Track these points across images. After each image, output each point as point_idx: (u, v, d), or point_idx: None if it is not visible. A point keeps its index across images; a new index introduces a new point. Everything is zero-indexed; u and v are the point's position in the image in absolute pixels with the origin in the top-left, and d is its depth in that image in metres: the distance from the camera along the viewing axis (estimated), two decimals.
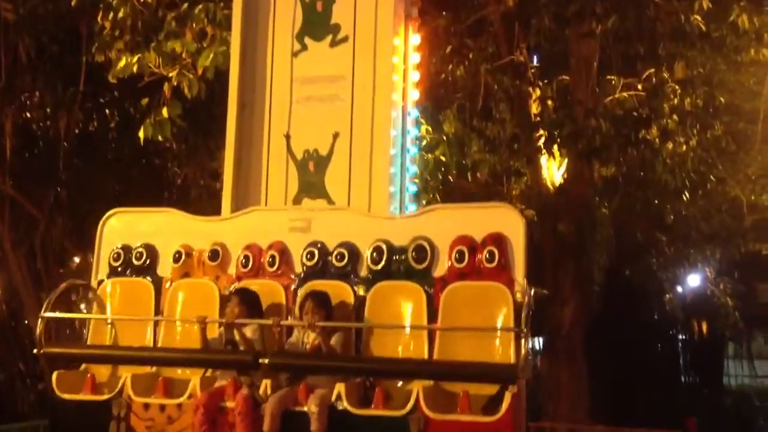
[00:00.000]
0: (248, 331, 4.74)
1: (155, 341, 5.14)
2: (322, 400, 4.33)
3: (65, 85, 11.18)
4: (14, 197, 11.22)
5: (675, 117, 9.83)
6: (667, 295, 16.39)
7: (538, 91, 10.08)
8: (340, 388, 4.36)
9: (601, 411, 10.34)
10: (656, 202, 11.46)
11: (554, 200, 10.94)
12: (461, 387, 4.27)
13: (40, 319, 4.87)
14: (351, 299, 4.82)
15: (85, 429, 4.83)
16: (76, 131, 11.62)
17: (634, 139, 9.57)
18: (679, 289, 16.74)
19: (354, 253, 4.89)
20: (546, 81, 10.33)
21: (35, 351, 4.94)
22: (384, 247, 4.80)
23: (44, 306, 4.97)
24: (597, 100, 10.11)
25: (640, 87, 10.01)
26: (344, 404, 4.32)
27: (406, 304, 4.68)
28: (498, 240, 4.61)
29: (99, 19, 7.93)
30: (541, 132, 9.33)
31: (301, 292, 4.85)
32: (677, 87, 9.50)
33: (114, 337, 5.19)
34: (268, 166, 5.46)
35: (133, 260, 5.26)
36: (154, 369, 4.96)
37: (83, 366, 5.11)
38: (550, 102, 9.81)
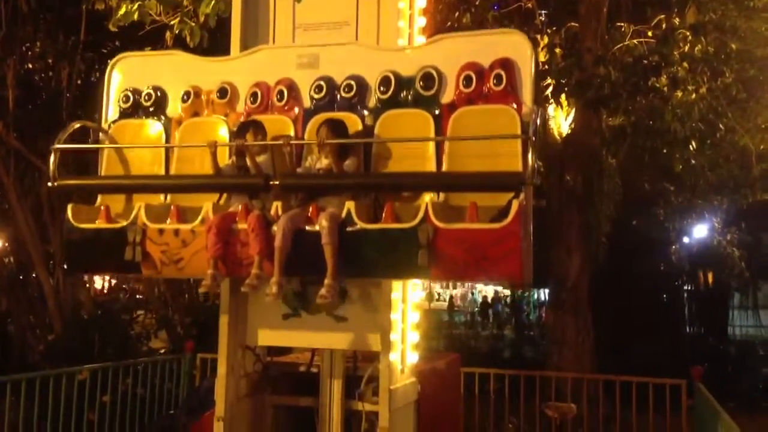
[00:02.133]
0: (260, 159, 4.76)
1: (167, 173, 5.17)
2: (332, 215, 4.36)
3: (66, 35, 11.05)
4: (18, 149, 11.18)
5: (685, 64, 9.67)
6: (674, 246, 16.40)
7: (546, 39, 9.91)
8: (350, 205, 4.39)
9: (607, 361, 10.41)
10: (665, 151, 11.34)
11: (561, 150, 10.87)
12: (469, 199, 4.28)
13: (52, 152, 4.86)
14: (359, 129, 4.82)
15: (100, 257, 4.91)
16: (78, 82, 11.52)
17: (643, 88, 9.44)
18: (686, 239, 16.73)
19: (362, 84, 4.88)
20: (554, 28, 10.15)
21: (49, 184, 4.94)
22: (392, 76, 4.79)
23: (56, 140, 4.95)
24: (606, 47, 9.95)
25: (650, 34, 9.83)
26: (354, 220, 4.36)
27: (414, 131, 4.68)
28: (506, 64, 4.57)
29: None
30: (549, 80, 9.19)
31: (311, 123, 4.86)
32: (688, 33, 9.32)
33: (127, 173, 5.23)
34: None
35: (142, 102, 5.27)
36: (167, 199, 5.01)
37: (98, 201, 5.14)
38: (558, 50, 9.64)
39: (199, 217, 4.66)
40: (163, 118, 5.26)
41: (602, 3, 10.07)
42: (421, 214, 4.25)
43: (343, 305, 4.94)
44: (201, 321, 12.71)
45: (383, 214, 4.41)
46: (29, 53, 11.53)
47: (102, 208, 4.93)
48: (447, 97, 4.71)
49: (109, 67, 5.48)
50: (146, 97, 5.26)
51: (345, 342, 4.95)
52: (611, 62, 9.28)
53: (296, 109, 5.00)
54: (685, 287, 17.59)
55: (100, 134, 5.31)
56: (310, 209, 4.48)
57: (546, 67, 9.53)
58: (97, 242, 4.84)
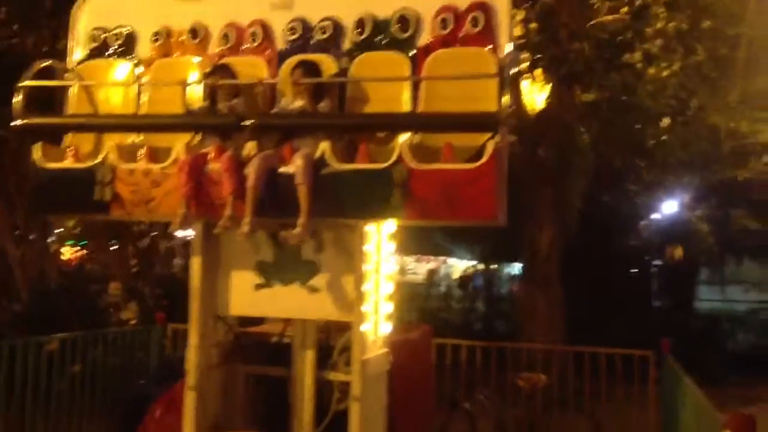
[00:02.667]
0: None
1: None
2: (307, 155, 4.36)
3: (32, 2, 10.77)
4: None
5: (659, 41, 9.71)
6: (644, 221, 16.58)
7: (522, 13, 9.88)
8: (324, 146, 4.40)
9: (577, 334, 10.53)
10: (637, 127, 11.42)
11: (534, 125, 10.88)
12: (444, 139, 4.30)
13: (16, 91, 4.78)
14: (334, 71, 4.79)
15: (68, 198, 4.85)
16: (44, 49, 11.26)
17: (617, 63, 9.47)
18: (656, 215, 16.92)
19: (337, 26, 4.85)
20: (530, 3, 10.12)
21: (12, 124, 4.81)
22: (367, 18, 4.77)
23: (21, 78, 4.85)
24: (581, 23, 9.95)
25: (624, 10, 9.84)
26: (329, 161, 4.36)
27: (389, 73, 4.66)
28: (483, 6, 4.58)
29: None
30: (525, 54, 9.18)
31: (285, 65, 4.82)
32: (662, 9, 9.34)
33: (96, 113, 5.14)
34: None
35: (111, 42, 5.19)
36: (138, 139, 4.91)
37: (66, 142, 5.03)
38: (533, 24, 9.62)
39: (171, 157, 4.61)
40: (133, 58, 5.16)
41: None
42: (395, 155, 4.27)
43: (316, 276, 4.91)
44: (171, 294, 12.62)
45: (357, 156, 4.40)
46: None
47: (70, 148, 4.84)
48: (423, 39, 4.69)
49: (76, 6, 5.33)
50: (115, 37, 5.16)
51: (317, 312, 4.93)
52: (586, 38, 9.28)
53: (270, 51, 4.94)
54: (654, 262, 17.81)
55: (67, 75, 5.17)
56: (284, 150, 4.46)
57: (522, 41, 9.51)
58: (64, 183, 4.77)
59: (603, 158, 12.68)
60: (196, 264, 5.00)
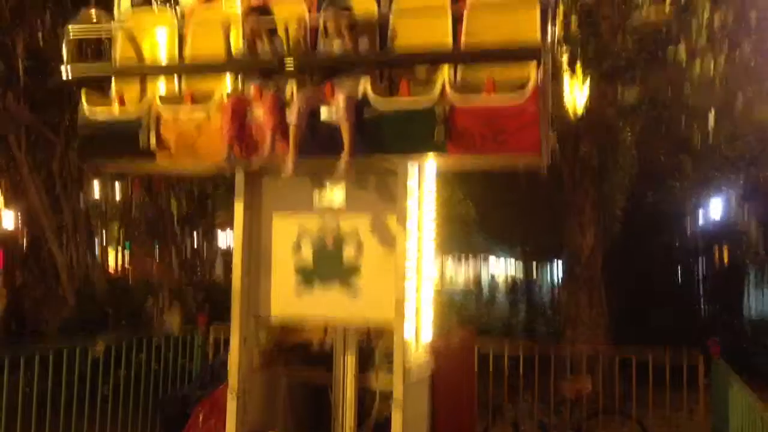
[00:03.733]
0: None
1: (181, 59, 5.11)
2: (348, 92, 4.36)
3: (76, 5, 10.92)
4: (30, 121, 11.13)
5: (703, 35, 9.46)
6: (689, 221, 16.23)
7: (562, 8, 9.72)
8: (365, 83, 4.38)
9: (621, 336, 10.33)
10: (681, 123, 11.15)
11: (576, 122, 10.70)
12: (487, 73, 4.23)
13: (65, 37, 4.89)
14: (374, 9, 4.72)
15: (115, 145, 4.89)
16: (88, 51, 11.42)
17: (660, 58, 9.26)
18: (702, 214, 16.54)
19: None
20: None
21: (63, 71, 4.85)
22: None
23: (68, 28, 4.96)
24: (623, 16, 9.75)
25: (668, 2, 9.62)
26: (370, 98, 4.34)
27: (431, 12, 4.57)
28: None
29: None
30: (565, 49, 9.03)
31: (325, 5, 4.74)
32: (706, 2, 9.10)
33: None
34: None
35: None
36: (181, 87, 4.97)
37: (113, 92, 5.09)
38: (574, 18, 9.45)
39: (213, 101, 4.61)
40: (176, 6, 5.22)
41: None
42: (437, 91, 4.22)
43: (357, 279, 4.86)
44: (213, 298, 12.71)
45: (399, 93, 4.35)
46: (39, 24, 11.42)
47: (116, 95, 4.90)
48: None
49: None
50: None
51: (358, 316, 4.88)
52: (628, 32, 9.09)
53: None
54: (701, 263, 17.41)
55: (113, 25, 5.21)
56: (325, 89, 4.43)
57: (562, 36, 9.35)
58: (111, 130, 4.82)
59: (647, 156, 12.44)
60: (238, 211, 4.98)
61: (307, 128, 4.39)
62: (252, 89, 4.63)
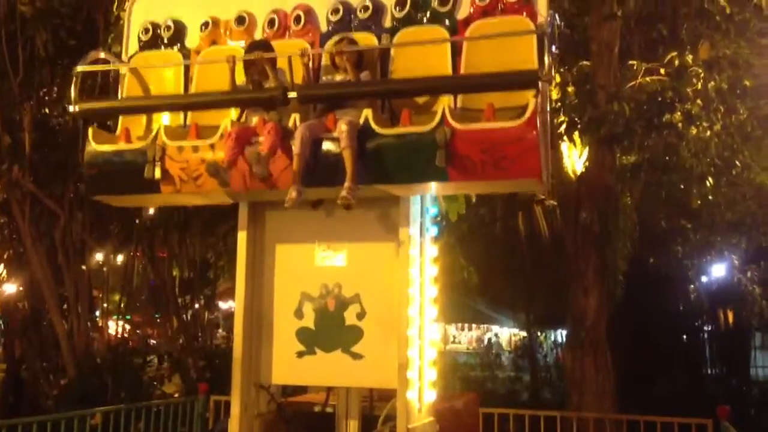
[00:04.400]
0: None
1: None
2: (351, 122, 4.41)
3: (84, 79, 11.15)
4: (34, 193, 11.23)
5: (699, 101, 9.62)
6: (692, 284, 16.17)
7: (558, 77, 9.92)
8: (367, 113, 4.45)
9: (626, 402, 10.19)
10: (681, 187, 11.24)
11: (575, 188, 10.79)
12: (486, 100, 4.28)
13: (74, 76, 5.02)
14: (375, 43, 4.86)
15: (120, 179, 4.94)
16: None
17: (657, 123, 9.39)
18: (705, 277, 16.50)
19: (378, 4, 4.94)
20: (566, 67, 10.16)
21: (71, 108, 5.00)
22: None
23: (78, 66, 5.11)
24: (619, 84, 9.94)
25: (662, 71, 9.82)
26: (372, 126, 4.40)
27: (430, 48, 4.71)
28: None
29: (115, 9, 7.89)
30: (562, 117, 9.17)
31: (328, 43, 4.91)
32: (701, 70, 9.29)
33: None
34: None
35: (162, 34, 5.38)
36: (187, 121, 5.09)
37: (119, 127, 5.20)
38: (570, 87, 9.64)
39: (218, 132, 4.69)
40: (182, 48, 5.36)
41: (614, 41, 10.09)
42: (438, 117, 4.28)
43: (359, 342, 4.84)
44: (214, 365, 12.59)
45: (400, 122, 4.43)
46: (46, 97, 11.64)
47: (122, 130, 5.00)
48: (463, 12, 4.76)
49: (129, 2, 5.59)
50: (165, 29, 5.37)
51: (361, 380, 4.86)
52: (624, 99, 9.25)
53: (312, 33, 5.06)
54: (705, 326, 17.28)
55: (121, 68, 5.39)
56: (328, 119, 4.53)
57: (559, 104, 9.52)
58: (117, 163, 4.90)
59: (647, 220, 12.48)
60: (242, 241, 5.07)
61: (311, 157, 4.48)
62: (256, 120, 4.75)
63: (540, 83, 4.22)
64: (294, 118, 4.61)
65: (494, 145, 4.18)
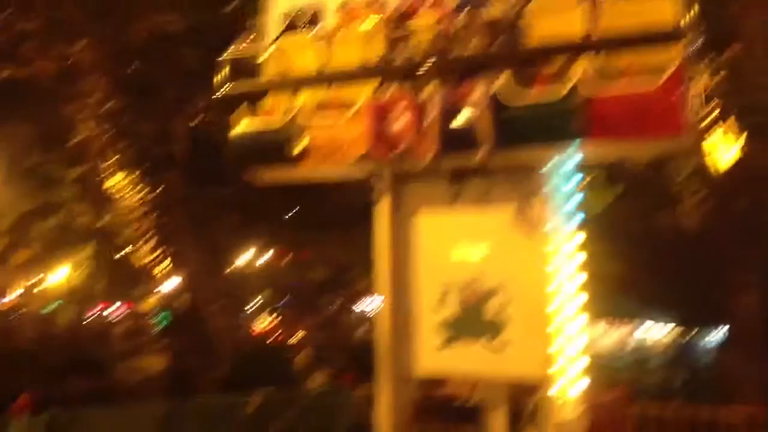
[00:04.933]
0: None
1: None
2: (485, 89, 4.51)
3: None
4: (191, 197, 11.90)
5: None
6: None
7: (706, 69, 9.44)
8: (502, 78, 4.50)
9: None
10: None
11: (728, 178, 10.24)
12: (624, 60, 4.26)
13: (221, 63, 5.44)
14: (508, 9, 4.83)
15: (265, 155, 5.23)
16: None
17: None
18: None
19: None
20: (714, 54, 9.67)
21: (217, 94, 5.38)
22: None
23: (224, 55, 5.51)
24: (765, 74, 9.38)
25: None
26: (508, 91, 4.45)
27: (561, 13, 4.63)
28: None
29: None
30: (714, 103, 8.76)
31: (461, 15, 4.92)
32: None
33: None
34: None
35: (299, 21, 5.64)
36: (325, 96, 5.25)
37: (263, 106, 5.48)
38: (719, 76, 9.18)
39: (357, 105, 4.86)
40: (319, 31, 5.55)
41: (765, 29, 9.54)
42: (575, 80, 4.29)
43: (502, 334, 4.83)
44: (358, 360, 12.87)
45: (535, 88, 4.45)
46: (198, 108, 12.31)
47: (266, 108, 5.32)
48: None
49: None
50: (302, 14, 5.63)
51: (504, 372, 4.83)
52: None
53: (443, 8, 5.09)
54: None
55: (264, 46, 5.65)
56: (462, 89, 4.62)
57: (708, 92, 9.08)
58: (261, 142, 5.20)
59: None
60: (383, 208, 5.18)
61: (446, 124, 4.58)
62: (392, 92, 4.88)
63: (681, 41, 4.15)
64: (430, 89, 4.70)
65: (635, 104, 4.14)
